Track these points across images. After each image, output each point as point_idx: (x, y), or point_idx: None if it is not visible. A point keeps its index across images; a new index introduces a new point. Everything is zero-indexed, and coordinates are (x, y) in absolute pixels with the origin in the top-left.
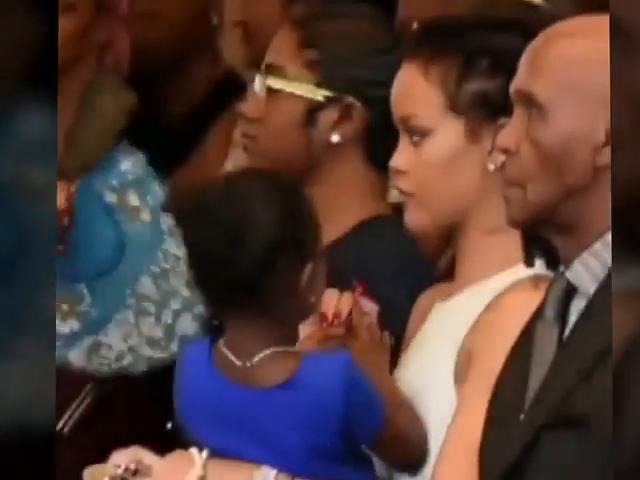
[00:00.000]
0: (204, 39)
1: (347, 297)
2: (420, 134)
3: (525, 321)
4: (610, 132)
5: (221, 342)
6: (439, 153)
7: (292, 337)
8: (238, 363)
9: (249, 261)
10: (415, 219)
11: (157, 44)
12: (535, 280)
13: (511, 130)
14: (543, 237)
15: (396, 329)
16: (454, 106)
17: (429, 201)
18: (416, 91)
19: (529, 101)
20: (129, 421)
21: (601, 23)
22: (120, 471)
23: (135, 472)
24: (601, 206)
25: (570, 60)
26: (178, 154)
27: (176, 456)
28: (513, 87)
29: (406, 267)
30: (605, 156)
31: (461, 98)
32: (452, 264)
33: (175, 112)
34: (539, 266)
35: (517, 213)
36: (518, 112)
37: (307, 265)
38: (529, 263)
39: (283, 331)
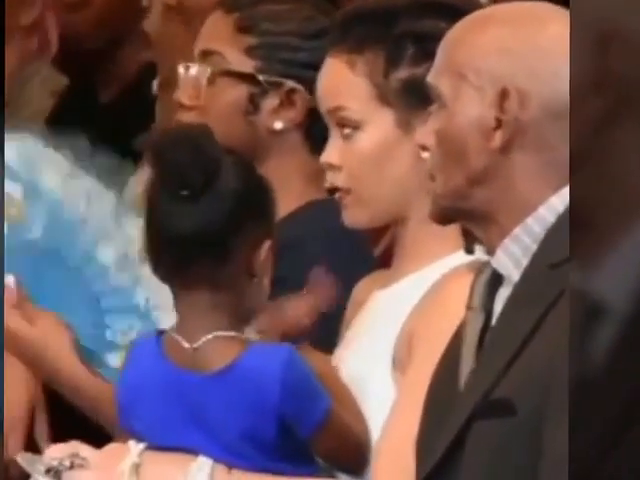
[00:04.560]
0: (135, 22)
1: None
2: (351, 127)
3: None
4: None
5: (170, 329)
6: (372, 146)
7: (241, 323)
8: (186, 345)
9: (218, 208)
10: (354, 217)
11: (87, 28)
12: (476, 265)
13: (427, 125)
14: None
15: None
16: (383, 96)
17: (367, 196)
18: (343, 83)
19: (435, 93)
20: None
21: (519, 11)
22: (55, 463)
23: (71, 465)
24: (513, 192)
25: (468, 49)
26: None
27: (113, 447)
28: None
29: (336, 254)
30: (497, 139)
31: (389, 88)
32: (390, 250)
33: (107, 95)
34: (479, 252)
35: (431, 206)
36: (433, 106)
37: (265, 242)
38: (468, 250)
39: (233, 314)
